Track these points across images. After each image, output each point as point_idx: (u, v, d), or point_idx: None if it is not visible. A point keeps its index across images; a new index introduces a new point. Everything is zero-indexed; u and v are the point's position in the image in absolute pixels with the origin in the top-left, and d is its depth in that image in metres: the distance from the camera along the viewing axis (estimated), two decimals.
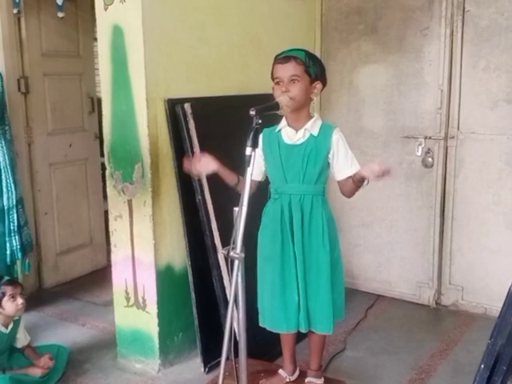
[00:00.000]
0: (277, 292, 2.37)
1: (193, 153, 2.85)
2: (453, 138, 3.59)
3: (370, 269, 4.00)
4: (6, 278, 2.83)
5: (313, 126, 2.29)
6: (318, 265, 2.32)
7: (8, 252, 3.47)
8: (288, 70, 2.21)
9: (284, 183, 2.33)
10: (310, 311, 2.37)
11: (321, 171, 2.29)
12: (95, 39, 4.05)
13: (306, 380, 2.55)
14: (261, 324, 2.43)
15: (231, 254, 1.94)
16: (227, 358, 2.09)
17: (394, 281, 3.92)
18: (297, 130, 2.30)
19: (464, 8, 3.45)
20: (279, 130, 2.34)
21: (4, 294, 2.73)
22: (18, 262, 3.60)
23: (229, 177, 2.38)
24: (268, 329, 2.42)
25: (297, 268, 2.33)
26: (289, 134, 2.32)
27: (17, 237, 3.49)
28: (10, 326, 2.81)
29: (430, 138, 3.63)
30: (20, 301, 2.76)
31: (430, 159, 3.65)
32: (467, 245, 3.65)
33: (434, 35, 3.55)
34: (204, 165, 2.35)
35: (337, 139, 2.28)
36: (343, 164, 2.29)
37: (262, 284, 2.42)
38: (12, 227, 3.48)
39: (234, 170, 2.34)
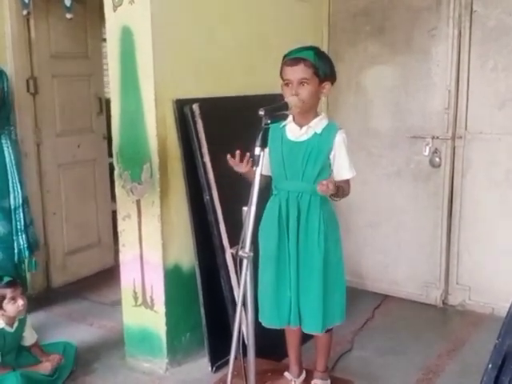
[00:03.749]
0: (272, 287, 2.38)
1: (201, 154, 2.87)
2: (460, 137, 3.59)
3: (378, 269, 4.00)
4: (6, 278, 2.80)
5: (317, 125, 2.29)
6: (311, 264, 2.32)
7: (16, 251, 3.50)
8: (297, 73, 2.21)
9: (284, 179, 2.34)
10: (301, 310, 2.37)
11: (321, 170, 2.28)
12: (103, 40, 4.11)
13: (313, 382, 2.56)
14: (260, 319, 2.43)
15: (240, 253, 1.95)
16: (235, 358, 2.10)
17: (401, 281, 3.92)
18: (301, 126, 2.31)
19: (472, 8, 3.45)
20: (284, 126, 2.34)
21: (4, 297, 2.72)
22: (26, 261, 3.63)
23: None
24: (264, 324, 2.43)
25: (290, 265, 2.34)
26: (293, 130, 2.32)
27: (24, 236, 3.52)
28: (15, 325, 2.82)
29: (437, 138, 3.63)
30: (21, 302, 2.75)
31: (437, 159, 3.65)
32: (474, 245, 3.65)
33: (442, 36, 3.55)
34: (238, 165, 2.30)
35: (339, 141, 2.28)
36: (341, 167, 2.29)
37: (261, 280, 2.43)
38: (19, 226, 3.51)
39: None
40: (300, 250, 2.32)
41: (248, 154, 2.25)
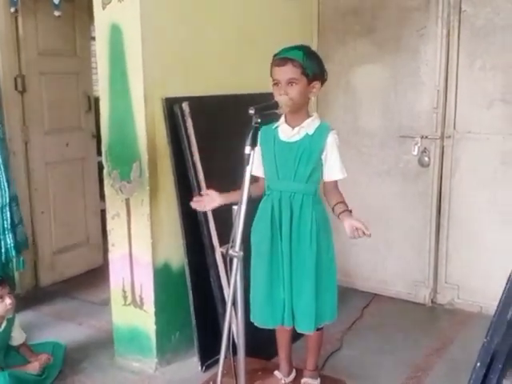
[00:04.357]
0: (265, 288, 2.37)
1: (191, 152, 2.87)
2: (449, 137, 3.61)
3: (367, 268, 4.01)
4: None
5: (309, 125, 2.29)
6: (303, 264, 2.32)
7: (3, 250, 3.47)
8: (285, 73, 2.21)
9: (276, 180, 2.33)
10: (294, 309, 2.37)
11: (312, 171, 2.29)
12: (92, 38, 4.08)
13: (302, 381, 2.55)
14: (251, 320, 2.42)
15: (230, 252, 1.94)
16: (225, 357, 2.10)
17: (390, 280, 3.93)
18: (293, 127, 2.31)
19: (460, 8, 3.47)
20: (276, 127, 2.34)
21: None
22: (13, 260, 3.61)
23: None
24: (256, 324, 2.42)
25: (283, 265, 2.34)
26: (285, 131, 2.32)
27: (10, 235, 3.49)
28: (3, 325, 2.80)
29: (426, 137, 3.64)
30: (8, 301, 2.73)
31: (426, 158, 3.66)
32: (463, 244, 3.67)
33: (431, 35, 3.56)
34: (209, 203, 2.37)
35: (331, 142, 2.28)
36: (332, 167, 2.29)
37: (253, 280, 2.43)
38: (6, 225, 3.47)
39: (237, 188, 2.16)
40: (293, 249, 2.32)
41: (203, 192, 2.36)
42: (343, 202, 2.28)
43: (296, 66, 2.20)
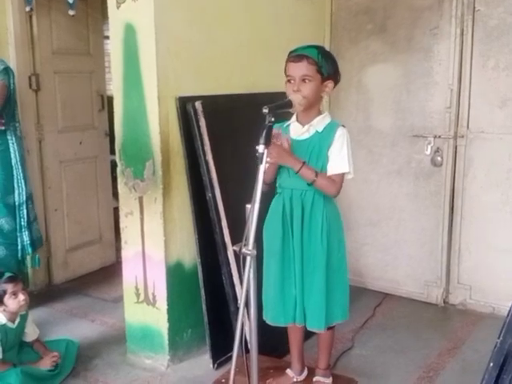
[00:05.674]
0: (277, 285, 2.39)
1: (204, 151, 2.88)
2: (462, 137, 3.60)
3: (378, 267, 4.01)
4: (7, 274, 2.82)
5: (319, 123, 2.31)
6: (314, 261, 2.33)
7: (19, 247, 3.51)
8: (300, 70, 2.23)
9: (287, 178, 2.35)
10: (305, 307, 2.38)
11: (322, 168, 2.30)
12: (105, 37, 4.11)
13: (314, 379, 2.56)
14: (263, 318, 2.44)
15: (243, 250, 1.95)
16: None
17: (401, 279, 3.93)
18: (304, 125, 2.33)
19: (474, 7, 3.45)
20: (288, 125, 2.37)
21: (5, 292, 2.74)
22: (28, 258, 3.65)
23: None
24: (268, 322, 2.44)
25: (295, 262, 2.35)
26: (296, 129, 2.35)
27: (27, 232, 3.53)
28: (17, 321, 2.84)
29: (439, 137, 3.63)
30: (22, 297, 2.77)
31: (439, 158, 3.65)
32: (475, 244, 3.65)
33: (444, 34, 3.55)
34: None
35: (338, 136, 2.28)
36: (333, 159, 2.28)
37: (266, 278, 2.44)
38: (22, 223, 3.52)
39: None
40: (304, 247, 2.33)
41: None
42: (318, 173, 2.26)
43: (311, 63, 2.23)
